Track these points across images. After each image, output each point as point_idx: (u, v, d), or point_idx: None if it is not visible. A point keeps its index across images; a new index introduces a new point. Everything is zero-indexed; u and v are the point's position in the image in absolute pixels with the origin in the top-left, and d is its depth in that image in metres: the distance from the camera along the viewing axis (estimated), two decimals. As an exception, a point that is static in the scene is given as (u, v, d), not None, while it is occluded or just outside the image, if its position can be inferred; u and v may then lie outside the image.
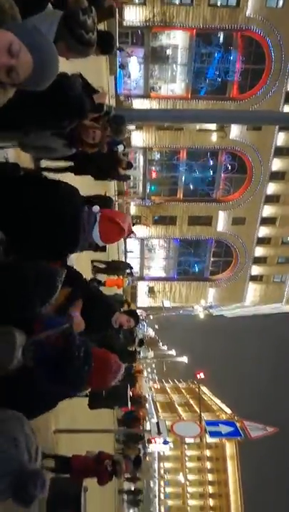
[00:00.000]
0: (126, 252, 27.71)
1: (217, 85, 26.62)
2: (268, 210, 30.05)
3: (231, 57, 25.90)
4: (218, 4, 24.31)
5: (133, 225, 28.94)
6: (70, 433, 5.56)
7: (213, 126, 26.89)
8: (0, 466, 1.15)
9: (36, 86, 1.36)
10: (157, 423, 6.66)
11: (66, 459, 5.01)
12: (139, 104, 25.68)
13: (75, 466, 4.95)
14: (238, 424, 6.20)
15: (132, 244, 29.99)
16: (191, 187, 30.07)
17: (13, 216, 2.22)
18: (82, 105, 2.46)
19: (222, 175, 29.42)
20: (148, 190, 29.86)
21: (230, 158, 29.04)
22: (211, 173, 29.57)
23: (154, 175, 30.26)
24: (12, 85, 1.36)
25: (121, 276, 12.63)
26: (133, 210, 28.97)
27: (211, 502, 52.25)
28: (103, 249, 4.87)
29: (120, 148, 5.21)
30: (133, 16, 23.65)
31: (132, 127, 24.68)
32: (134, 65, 25.62)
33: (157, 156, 30.15)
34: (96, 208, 2.58)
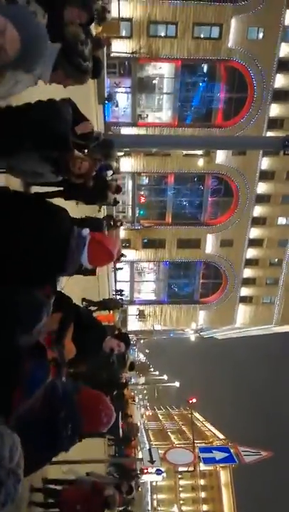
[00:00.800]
0: (116, 280, 27.62)
1: (202, 113, 27.54)
2: (255, 232, 30.53)
3: (215, 87, 26.94)
4: (202, 36, 25.47)
5: (123, 247, 28.87)
6: (59, 464, 5.36)
7: (199, 152, 27.61)
8: None
9: (26, 63, 1.34)
10: (149, 450, 6.47)
11: (56, 492, 4.81)
12: (127, 131, 26.30)
13: (66, 498, 4.75)
14: (232, 450, 6.07)
15: (122, 269, 29.98)
16: (179, 211, 30.52)
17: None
18: (65, 139, 2.54)
19: (209, 198, 29.99)
20: (137, 214, 30.16)
21: (217, 182, 29.70)
22: (199, 197, 30.12)
23: (142, 199, 30.68)
24: (3, 66, 1.34)
25: (112, 312, 12.54)
26: (123, 233, 29.12)
27: (206, 535, 50.10)
28: (93, 272, 4.87)
29: (109, 173, 5.30)
30: (120, 47, 24.57)
31: (120, 153, 25.16)
32: (122, 96, 26.38)
33: (145, 181, 30.67)
34: (86, 231, 2.57)
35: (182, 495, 52.12)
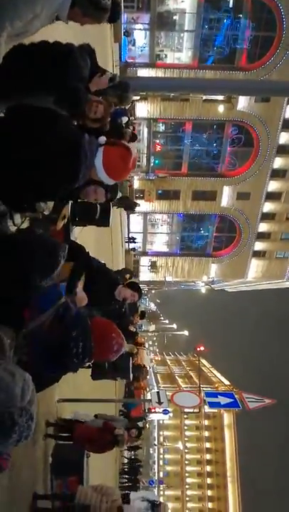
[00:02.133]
0: (129, 231, 27.57)
1: (225, 54, 25.65)
2: (273, 185, 29.62)
3: (241, 24, 24.82)
4: None
5: (136, 198, 28.56)
6: (73, 402, 5.72)
7: (220, 97, 26.12)
8: None
9: None
10: (158, 393, 6.83)
11: (70, 422, 5.17)
12: (144, 73, 24.86)
13: (78, 434, 5.12)
14: (236, 396, 6.35)
15: (136, 219, 29.82)
16: (196, 161, 29.58)
17: (5, 152, 2.07)
18: (76, 99, 2.39)
19: (228, 148, 28.84)
20: (152, 164, 29.38)
21: (237, 131, 28.37)
22: (217, 147, 28.98)
23: (158, 148, 29.69)
24: None
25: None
26: (136, 184, 28.62)
27: (208, 468, 54.47)
28: (106, 223, 4.81)
29: (124, 119, 5.05)
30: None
31: (136, 98, 23.99)
32: (139, 34, 24.61)
33: (162, 128, 29.47)
34: (102, 139, 2.42)
35: (187, 433, 55.97)
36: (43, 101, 2.71)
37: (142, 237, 31.59)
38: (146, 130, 28.47)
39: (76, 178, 2.16)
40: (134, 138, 5.99)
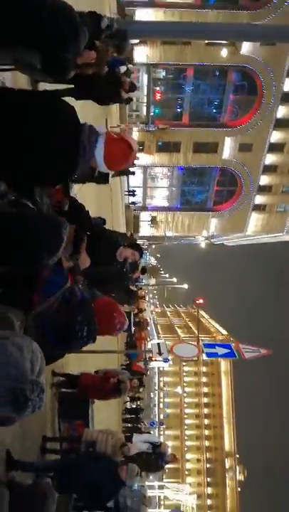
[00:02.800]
0: (128, 185, 27.05)
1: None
2: (276, 136, 28.71)
3: None
4: None
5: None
6: (77, 353, 5.98)
7: (223, 41, 24.55)
8: (3, 368, 1.23)
9: None
10: (158, 344, 7.15)
11: (75, 376, 5.47)
12: (142, 13, 23.17)
13: (83, 382, 5.42)
14: (233, 346, 6.65)
15: (135, 175, 29.20)
16: (198, 110, 28.42)
17: (4, 138, 2.05)
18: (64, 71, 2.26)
19: (230, 96, 27.60)
20: (152, 113, 28.27)
21: (241, 78, 27.00)
22: (219, 95, 27.72)
23: (158, 96, 28.40)
24: None
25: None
26: (136, 135, 27.72)
27: (205, 410, 58.01)
28: (106, 180, 4.74)
29: (123, 68, 4.81)
30: None
31: (134, 41, 22.56)
32: None
33: (162, 75, 27.99)
34: (102, 128, 2.38)
35: (186, 378, 58.85)
36: (31, 56, 2.57)
37: (141, 191, 31.15)
38: (145, 77, 27.09)
39: (74, 170, 2.15)
40: (133, 87, 5.73)
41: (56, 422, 5.61)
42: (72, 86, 4.61)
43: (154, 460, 6.78)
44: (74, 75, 3.29)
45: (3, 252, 1.47)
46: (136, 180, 30.21)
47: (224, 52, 25.10)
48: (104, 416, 7.90)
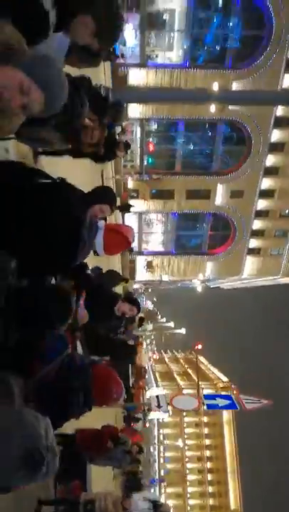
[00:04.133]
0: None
1: (215, 53, 25.80)
2: (266, 183, 29.84)
3: (231, 23, 24.95)
4: None
5: (131, 198, 28.53)
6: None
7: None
8: (20, 434, 1.27)
9: (48, 114, 1.43)
10: (157, 396, 6.95)
11: (71, 435, 5.28)
12: (135, 73, 24.91)
13: (80, 440, 5.22)
14: (234, 397, 6.49)
15: (130, 218, 29.91)
16: (189, 160, 29.71)
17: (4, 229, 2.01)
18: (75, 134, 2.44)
19: (220, 147, 29.00)
20: (145, 163, 29.47)
21: (229, 130, 28.54)
22: (210, 146, 29.15)
23: (151, 147, 29.79)
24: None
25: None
26: (130, 184, 28.70)
27: (208, 464, 54.86)
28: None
29: (118, 129, 5.15)
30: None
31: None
32: (130, 32, 24.66)
33: (154, 127, 29.54)
34: (101, 224, 2.52)
35: (186, 430, 56.24)
36: (39, 127, 2.76)
37: (137, 237, 31.70)
38: (138, 130, 28.53)
39: (73, 260, 2.16)
40: (127, 146, 6.10)
41: (51, 484, 5.35)
42: (69, 146, 4.90)
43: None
44: (75, 150, 3.47)
45: (16, 323, 1.54)
46: (131, 226, 30.82)
47: (212, 108, 26.75)
48: (101, 476, 7.50)
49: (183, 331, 43.54)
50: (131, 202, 27.20)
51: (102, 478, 7.69)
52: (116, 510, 4.45)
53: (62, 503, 5.17)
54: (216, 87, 25.23)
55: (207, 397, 6.46)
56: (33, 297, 1.61)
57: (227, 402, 6.32)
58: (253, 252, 32.25)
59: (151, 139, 29.59)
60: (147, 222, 32.26)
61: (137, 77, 25.14)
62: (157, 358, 60.37)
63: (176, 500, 51.03)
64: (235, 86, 25.53)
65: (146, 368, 34.13)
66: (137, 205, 28.58)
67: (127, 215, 25.13)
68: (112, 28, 1.95)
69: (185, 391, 49.12)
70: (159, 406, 6.46)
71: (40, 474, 1.29)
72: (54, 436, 1.39)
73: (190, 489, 52.87)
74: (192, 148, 29.38)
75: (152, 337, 53.51)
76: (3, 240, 1.91)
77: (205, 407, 6.45)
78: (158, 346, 60.17)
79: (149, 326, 41.96)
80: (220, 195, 30.04)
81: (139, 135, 28.60)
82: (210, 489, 52.85)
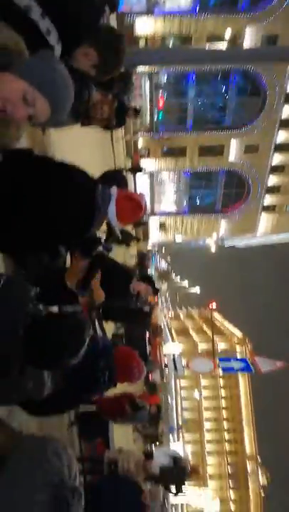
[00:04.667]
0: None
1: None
2: (282, 136, 28.58)
3: None
4: None
5: (141, 157, 27.75)
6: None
7: (224, 44, 24.60)
8: (44, 476, 1.26)
9: (56, 118, 1.36)
10: (174, 360, 7.19)
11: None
12: (142, 22, 23.39)
13: (99, 407, 5.46)
14: (249, 360, 6.66)
15: (142, 179, 29.38)
16: (202, 114, 28.48)
17: (20, 206, 2.09)
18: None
19: (234, 100, 27.62)
20: (155, 119, 28.39)
21: (243, 81, 27.01)
22: (223, 98, 27.77)
23: (161, 102, 28.55)
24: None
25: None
26: (141, 143, 27.91)
27: (224, 414, 57.57)
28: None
29: (126, 98, 4.91)
30: None
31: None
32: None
33: (164, 80, 28.12)
34: (114, 190, 2.50)
35: (203, 381, 58.32)
36: None
37: (149, 197, 31.27)
38: (147, 84, 27.24)
39: (90, 228, 2.23)
40: (137, 112, 5.86)
41: (77, 442, 5.69)
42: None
43: (176, 475, 6.81)
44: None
45: (29, 351, 1.55)
46: (143, 186, 30.37)
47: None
48: (123, 435, 7.95)
49: (197, 289, 44.04)
50: (142, 162, 26.60)
51: (123, 436, 8.18)
52: (138, 472, 4.74)
53: (87, 460, 5.51)
54: (228, 33, 23.59)
55: (222, 359, 6.65)
56: (45, 328, 1.60)
57: (242, 364, 6.50)
58: (267, 208, 31.61)
59: (161, 93, 28.29)
60: (159, 182, 31.68)
61: (144, 27, 23.63)
62: (173, 315, 61.70)
63: (194, 445, 54.27)
64: (248, 31, 23.78)
65: (162, 325, 35.01)
66: (149, 164, 27.95)
67: (138, 175, 24.67)
68: (113, 63, 1.99)
69: (200, 346, 50.58)
70: (176, 369, 6.70)
71: None
72: (77, 472, 1.36)
73: (207, 436, 55.97)
74: (204, 101, 28.05)
75: (167, 295, 54.39)
76: (17, 212, 1.97)
77: (220, 370, 6.65)
78: (173, 304, 61.31)
79: (164, 286, 42.52)
80: (234, 151, 29.04)
81: (148, 89, 27.35)
82: (226, 436, 55.85)
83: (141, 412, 5.58)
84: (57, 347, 1.56)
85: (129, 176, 22.61)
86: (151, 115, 28.26)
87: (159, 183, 31.76)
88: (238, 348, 49.68)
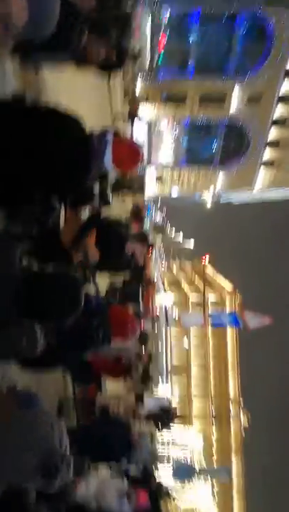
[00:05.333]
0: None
1: None
2: (287, 87, 27.32)
3: None
4: None
5: (139, 104, 26.46)
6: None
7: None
8: (36, 443, 1.37)
9: (35, 35, 1.24)
10: (166, 312, 7.41)
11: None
12: None
13: (94, 365, 5.66)
14: (238, 316, 6.90)
15: (139, 129, 28.30)
16: (204, 59, 26.88)
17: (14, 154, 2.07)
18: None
19: (239, 45, 25.97)
20: (155, 63, 26.81)
21: (251, 26, 25.24)
22: (227, 42, 26.08)
23: (162, 43, 26.78)
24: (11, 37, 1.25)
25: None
26: (139, 88, 26.55)
27: (211, 361, 60.60)
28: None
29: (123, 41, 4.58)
30: None
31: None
32: None
33: (166, 18, 26.12)
34: (109, 135, 2.42)
35: (192, 329, 60.34)
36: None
37: (146, 148, 30.33)
38: (148, 22, 25.35)
39: (87, 174, 2.17)
40: (136, 56, 5.50)
41: (70, 385, 5.99)
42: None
43: (163, 419, 7.33)
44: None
45: (26, 308, 1.57)
46: (140, 135, 29.32)
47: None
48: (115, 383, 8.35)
49: (191, 244, 44.25)
50: (140, 109, 25.45)
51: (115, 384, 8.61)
52: (126, 415, 5.08)
53: (80, 402, 5.85)
54: None
55: (213, 315, 6.86)
56: (42, 289, 1.62)
57: (231, 319, 6.73)
58: (266, 163, 30.95)
59: (162, 33, 26.42)
60: (157, 132, 30.58)
61: None
62: (166, 267, 62.52)
63: (181, 389, 57.65)
64: None
65: (155, 277, 35.60)
66: (147, 111, 26.81)
67: (136, 125, 23.72)
68: None
69: (191, 297, 51.93)
70: (167, 322, 6.92)
71: (53, 485, 1.38)
72: (68, 441, 1.43)
73: (194, 380, 59.28)
74: (208, 45, 26.34)
75: (161, 247, 54.76)
76: (10, 160, 1.95)
77: (211, 325, 6.90)
78: (166, 257, 61.92)
79: (158, 239, 42.64)
80: (236, 100, 27.83)
81: (148, 30, 25.52)
82: (212, 381, 59.20)
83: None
84: (52, 303, 1.60)
85: (127, 124, 21.76)
86: (151, 59, 26.65)
87: (156, 134, 30.69)
88: (227, 299, 51.10)
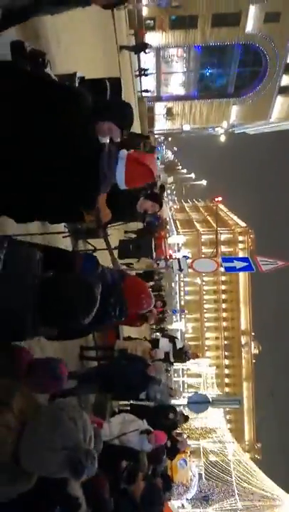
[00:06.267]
0: (140, 71, 24.40)
1: None
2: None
3: None
4: None
5: (147, 29, 24.36)
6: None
7: None
8: (60, 440, 1.38)
9: None
10: (178, 260, 7.49)
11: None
12: None
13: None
14: (251, 260, 6.91)
15: (147, 56, 26.26)
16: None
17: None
18: None
19: None
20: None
21: None
22: None
23: None
24: None
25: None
26: (146, 12, 24.17)
27: (223, 296, 62.14)
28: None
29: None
30: None
31: None
32: None
33: None
34: (123, 153, 2.29)
35: (205, 278, 61.38)
36: None
37: (155, 78, 28.34)
38: None
39: (96, 192, 2.11)
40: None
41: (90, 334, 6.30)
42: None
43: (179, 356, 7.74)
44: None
45: (42, 314, 1.59)
46: (148, 65, 27.27)
47: None
48: (132, 330, 8.70)
49: (204, 182, 43.12)
50: (147, 36, 23.37)
51: (132, 331, 8.99)
52: (144, 356, 5.36)
53: (100, 348, 6.19)
54: None
55: (225, 259, 6.91)
56: (56, 289, 1.61)
57: (244, 264, 6.76)
58: (284, 91, 28.82)
59: None
60: (166, 59, 28.34)
61: None
62: (178, 207, 61.79)
63: (194, 323, 60.01)
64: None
65: (168, 218, 35.36)
66: (155, 38, 24.68)
67: (142, 54, 21.93)
68: None
69: (204, 236, 51.89)
70: (180, 269, 7.04)
71: (80, 478, 1.45)
72: (92, 436, 1.47)
73: (207, 315, 61.46)
74: None
75: (173, 188, 53.68)
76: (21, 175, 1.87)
77: (223, 269, 6.98)
78: (178, 197, 60.92)
79: (170, 179, 41.56)
80: (252, 20, 25.26)
81: None
82: (224, 314, 61.31)
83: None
84: (69, 306, 1.63)
85: (133, 56, 20.15)
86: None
87: (166, 62, 28.49)
88: (240, 237, 50.98)
